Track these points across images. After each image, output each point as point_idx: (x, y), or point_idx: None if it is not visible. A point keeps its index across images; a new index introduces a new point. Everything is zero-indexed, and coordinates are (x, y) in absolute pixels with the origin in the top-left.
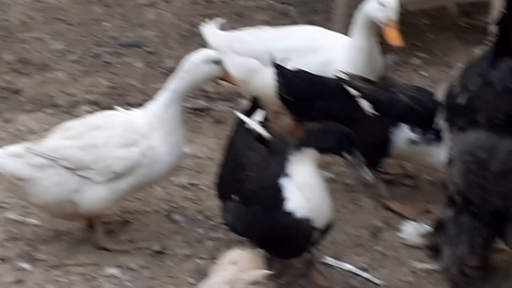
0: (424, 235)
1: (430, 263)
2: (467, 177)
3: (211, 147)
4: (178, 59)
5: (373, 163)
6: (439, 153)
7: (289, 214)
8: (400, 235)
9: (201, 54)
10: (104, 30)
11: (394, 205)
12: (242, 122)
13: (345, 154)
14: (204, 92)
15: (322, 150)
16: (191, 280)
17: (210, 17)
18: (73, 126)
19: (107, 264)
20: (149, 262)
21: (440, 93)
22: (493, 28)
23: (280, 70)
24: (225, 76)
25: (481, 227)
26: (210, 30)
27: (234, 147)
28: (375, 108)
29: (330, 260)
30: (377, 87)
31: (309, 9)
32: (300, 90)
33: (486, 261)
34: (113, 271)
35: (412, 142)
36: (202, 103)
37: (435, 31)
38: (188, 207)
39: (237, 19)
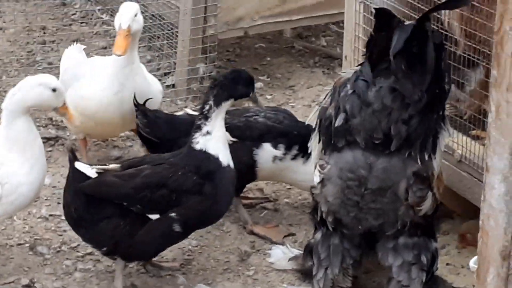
0: (293, 259)
1: (301, 286)
2: (344, 195)
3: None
4: None
5: (240, 189)
6: (303, 169)
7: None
8: (268, 259)
9: (38, 77)
10: None
11: (259, 230)
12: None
13: (252, 94)
14: (53, 121)
15: (239, 97)
16: None
17: (46, 44)
18: None
19: None
20: None
21: (310, 116)
22: (363, 50)
23: (142, 110)
24: (61, 110)
25: (351, 248)
26: (69, 53)
27: None
28: (234, 135)
29: (202, 287)
30: (230, 115)
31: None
32: (162, 130)
33: (357, 281)
34: None
35: (277, 158)
36: (51, 131)
37: (273, 55)
38: (52, 239)
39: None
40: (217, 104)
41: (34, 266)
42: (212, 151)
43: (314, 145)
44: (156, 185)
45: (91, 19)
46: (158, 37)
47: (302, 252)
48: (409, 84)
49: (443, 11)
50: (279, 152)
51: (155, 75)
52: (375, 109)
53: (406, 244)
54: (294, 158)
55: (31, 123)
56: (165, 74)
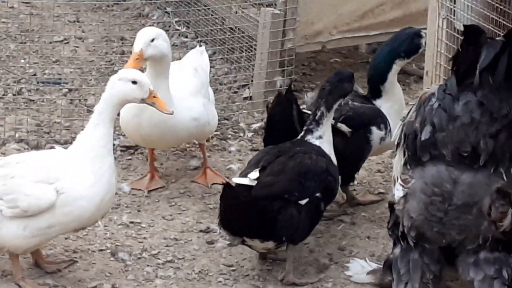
0: (371, 272)
1: None
2: (428, 211)
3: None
4: (100, 95)
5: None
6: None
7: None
8: (347, 272)
9: (119, 73)
10: (21, 66)
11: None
12: None
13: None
14: None
15: (346, 94)
16: None
17: (126, 54)
18: (3, 159)
19: None
20: None
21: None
22: (445, 65)
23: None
24: (148, 100)
25: (431, 263)
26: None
27: None
28: (348, 125)
29: None
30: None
31: None
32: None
33: None
34: None
35: (382, 139)
36: (131, 140)
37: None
38: (132, 246)
39: None
40: (329, 109)
41: (115, 272)
42: (326, 150)
43: (397, 160)
44: (305, 172)
45: (167, 30)
46: (236, 50)
47: (380, 266)
48: (496, 99)
49: None
50: (382, 133)
51: (231, 87)
52: (463, 122)
53: (487, 258)
54: (388, 136)
55: (110, 136)
56: (242, 86)
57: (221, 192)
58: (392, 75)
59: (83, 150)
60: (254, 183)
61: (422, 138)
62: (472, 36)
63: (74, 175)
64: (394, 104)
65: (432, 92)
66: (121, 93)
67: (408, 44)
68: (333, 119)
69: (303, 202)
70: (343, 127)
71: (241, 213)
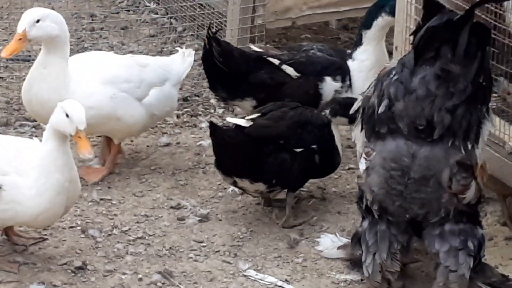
0: (341, 247)
1: (350, 274)
2: (388, 185)
3: (116, 162)
4: None
5: None
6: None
7: None
8: (317, 247)
9: (64, 101)
10: None
11: None
12: None
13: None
14: None
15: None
16: None
17: (96, 31)
18: None
19: (30, 281)
20: (72, 279)
21: (354, 106)
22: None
23: (215, 39)
24: (75, 139)
25: (399, 234)
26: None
27: None
28: (297, 69)
29: (252, 273)
30: (291, 51)
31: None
32: (236, 61)
33: (406, 268)
34: (38, 287)
35: (337, 91)
36: None
37: None
38: (103, 222)
39: (123, 33)
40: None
41: (86, 249)
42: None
43: (357, 134)
44: (304, 123)
45: (138, 7)
46: (206, 26)
47: (350, 241)
48: (454, 73)
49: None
50: (339, 85)
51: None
52: (418, 95)
53: (452, 230)
54: (347, 90)
55: (60, 153)
56: None
57: (210, 131)
58: (377, 26)
59: (37, 160)
60: (248, 124)
61: (379, 111)
62: (432, 10)
63: (22, 178)
64: (368, 60)
65: (392, 66)
66: (55, 120)
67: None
68: (280, 60)
69: (298, 150)
70: (287, 69)
71: (232, 152)
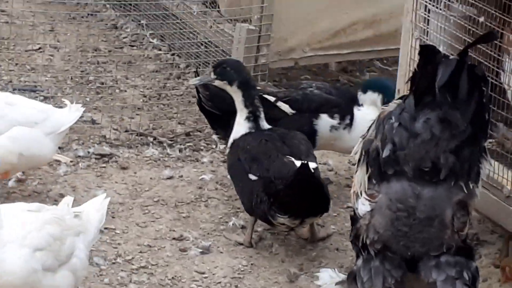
0: (339, 283)
1: None
2: (394, 226)
3: (120, 192)
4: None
5: None
6: (349, 137)
7: None
8: (316, 282)
9: None
10: None
11: None
12: None
13: None
14: (107, 138)
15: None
16: None
17: (99, 64)
18: None
19: None
20: None
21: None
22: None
23: (205, 84)
24: None
25: (392, 269)
26: None
27: None
28: (293, 107)
29: None
30: (288, 88)
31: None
32: (226, 103)
33: None
34: None
35: (334, 128)
36: (106, 148)
37: None
38: (107, 251)
39: (127, 67)
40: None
41: (90, 276)
42: None
43: (358, 175)
44: None
45: (141, 43)
46: (210, 64)
47: (346, 279)
48: (456, 115)
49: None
50: (335, 122)
51: None
52: (424, 139)
53: (448, 261)
54: (345, 127)
55: None
56: None
57: (298, 175)
58: (368, 99)
59: None
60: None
61: (383, 155)
62: (428, 56)
63: None
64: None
65: (390, 110)
66: None
67: (388, 95)
68: (276, 97)
69: None
70: (283, 106)
71: (314, 192)
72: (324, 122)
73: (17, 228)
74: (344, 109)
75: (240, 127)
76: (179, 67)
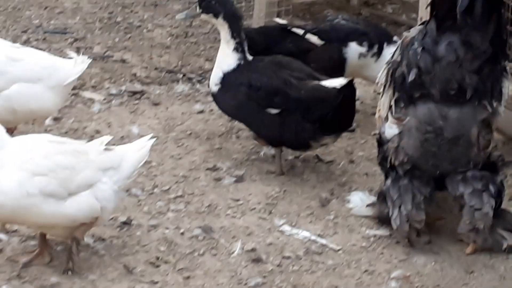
0: (370, 205)
1: (379, 230)
2: (423, 147)
3: (154, 127)
4: (105, 45)
5: None
6: (375, 66)
7: None
8: (348, 205)
9: None
10: (27, 18)
11: None
12: None
13: None
14: (137, 76)
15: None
16: (162, 248)
17: (127, 7)
18: None
19: None
20: (119, 233)
21: (380, 74)
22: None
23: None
24: None
25: (421, 186)
26: None
27: None
28: (321, 37)
29: (287, 228)
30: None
31: None
32: (254, 42)
33: (431, 225)
34: (87, 240)
35: (362, 55)
36: (137, 86)
37: None
38: (144, 182)
39: (153, 8)
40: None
41: (130, 206)
42: None
43: (385, 99)
44: None
45: None
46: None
47: (377, 199)
48: (477, 37)
49: None
50: (364, 49)
51: None
52: (448, 61)
53: (474, 176)
54: (373, 56)
55: None
56: None
57: (345, 93)
58: None
59: None
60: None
61: (409, 80)
62: None
63: None
64: None
65: (413, 35)
66: None
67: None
68: (305, 30)
69: None
70: (311, 37)
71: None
72: (353, 50)
73: (22, 152)
74: (371, 37)
75: (228, 58)
76: None
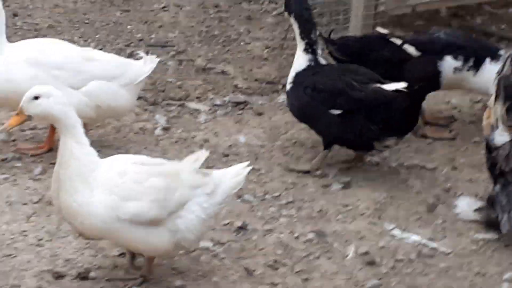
0: (477, 210)
1: (488, 234)
2: None
3: (259, 136)
4: (206, 57)
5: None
6: (475, 81)
7: None
8: (455, 210)
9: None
10: (129, 32)
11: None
12: None
13: None
14: (239, 88)
15: None
16: (278, 252)
17: (222, 21)
18: None
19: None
20: (236, 237)
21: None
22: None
23: (330, 40)
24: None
25: None
26: None
27: None
28: (419, 49)
29: (397, 233)
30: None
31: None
32: (351, 50)
33: None
34: (207, 244)
35: (457, 69)
36: (240, 97)
37: None
38: (255, 189)
39: (247, 21)
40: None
41: (244, 211)
42: None
43: (498, 108)
44: None
45: None
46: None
47: (485, 204)
48: None
49: None
50: (459, 63)
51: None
52: None
53: None
54: (470, 69)
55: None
56: None
57: (409, 96)
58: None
59: None
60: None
61: None
62: None
63: None
64: None
65: None
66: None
67: None
68: (402, 40)
69: None
70: (408, 48)
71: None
72: (448, 63)
73: (113, 176)
74: (468, 51)
75: (300, 59)
76: None
